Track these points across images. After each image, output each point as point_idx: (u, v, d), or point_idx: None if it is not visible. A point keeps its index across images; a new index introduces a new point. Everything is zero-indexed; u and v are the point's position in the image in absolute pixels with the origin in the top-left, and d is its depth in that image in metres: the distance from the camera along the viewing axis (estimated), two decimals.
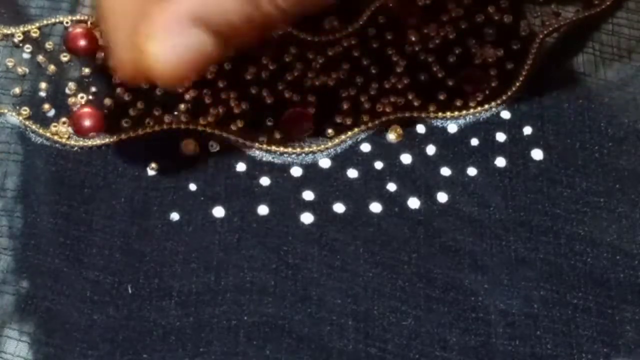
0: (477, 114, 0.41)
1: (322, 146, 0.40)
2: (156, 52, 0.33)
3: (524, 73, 0.42)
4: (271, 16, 0.34)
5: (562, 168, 0.40)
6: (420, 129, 0.41)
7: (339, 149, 0.40)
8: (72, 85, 0.41)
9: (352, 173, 0.40)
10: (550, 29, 0.43)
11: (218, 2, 0.33)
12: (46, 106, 0.41)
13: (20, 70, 0.41)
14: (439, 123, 0.41)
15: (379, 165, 0.40)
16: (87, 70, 0.41)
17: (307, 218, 0.39)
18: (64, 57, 0.42)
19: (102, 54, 0.41)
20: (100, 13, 0.35)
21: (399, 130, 0.41)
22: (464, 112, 0.41)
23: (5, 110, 0.40)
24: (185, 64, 0.34)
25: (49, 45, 0.42)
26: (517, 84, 0.42)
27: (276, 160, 0.40)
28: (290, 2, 0.34)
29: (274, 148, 0.40)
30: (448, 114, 0.41)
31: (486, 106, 0.41)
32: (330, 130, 0.41)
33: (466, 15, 0.43)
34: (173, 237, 0.38)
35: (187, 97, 0.41)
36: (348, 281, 0.38)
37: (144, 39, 0.33)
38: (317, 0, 0.35)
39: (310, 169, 0.40)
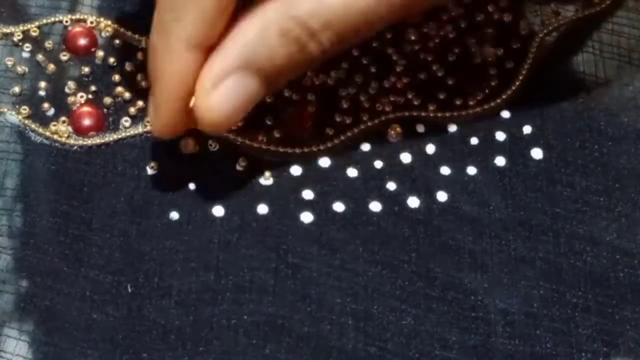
0: (477, 113, 0.41)
1: (322, 145, 0.40)
2: (210, 104, 0.35)
3: (523, 72, 0.42)
4: (315, 56, 0.35)
5: (561, 167, 0.40)
6: (420, 128, 0.41)
7: (338, 148, 0.40)
8: (71, 84, 0.41)
9: (352, 172, 0.40)
10: (550, 28, 0.43)
11: (265, 47, 0.34)
12: (46, 105, 0.41)
13: (19, 69, 0.41)
14: (438, 122, 0.41)
15: (378, 164, 0.40)
16: (86, 69, 0.41)
17: (306, 217, 0.39)
18: (64, 56, 0.42)
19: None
20: (154, 75, 0.36)
21: (399, 129, 0.41)
22: (464, 111, 0.41)
23: (5, 109, 0.40)
24: (237, 110, 0.35)
25: (48, 44, 0.42)
26: (517, 83, 0.42)
27: (276, 159, 0.40)
28: (334, 42, 0.35)
29: (273, 147, 0.40)
30: (448, 113, 0.41)
31: (486, 105, 0.41)
32: (329, 130, 0.41)
33: (466, 14, 0.43)
34: (173, 236, 0.38)
35: None
36: (348, 280, 0.38)
37: (197, 92, 0.35)
38: (359, 38, 0.36)
39: (310, 168, 0.40)
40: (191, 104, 0.36)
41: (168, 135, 0.38)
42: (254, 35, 0.34)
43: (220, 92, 0.35)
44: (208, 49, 0.35)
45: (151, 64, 0.36)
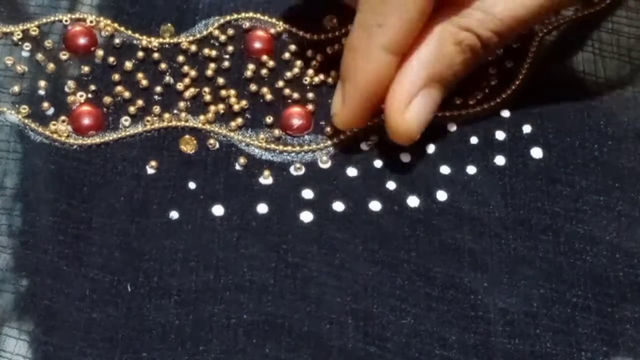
0: (477, 113, 0.41)
1: (322, 144, 0.40)
2: (405, 120, 0.38)
3: (523, 71, 0.42)
4: (483, 57, 0.39)
5: (561, 166, 0.40)
6: None
7: (338, 148, 0.40)
8: (71, 83, 0.41)
9: (352, 171, 0.40)
10: (550, 27, 0.43)
11: (445, 58, 0.38)
12: (45, 104, 0.41)
13: (19, 68, 0.41)
14: (438, 121, 0.41)
15: (378, 163, 0.40)
16: (86, 69, 0.41)
17: (306, 216, 0.39)
18: (63, 56, 0.42)
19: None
20: (349, 74, 0.38)
21: None
22: (464, 110, 0.41)
23: (5, 109, 0.40)
24: (427, 120, 0.39)
25: (48, 43, 0.42)
26: (517, 83, 0.42)
27: (275, 159, 0.40)
28: (499, 44, 0.39)
29: (273, 146, 0.40)
30: (447, 112, 0.41)
31: (486, 105, 0.41)
32: (329, 129, 0.41)
33: None
34: (172, 236, 0.38)
35: (186, 95, 0.41)
36: (347, 280, 0.38)
37: (391, 108, 0.38)
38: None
39: (310, 167, 0.40)
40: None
41: (349, 127, 0.40)
42: (434, 49, 0.38)
43: (413, 109, 0.38)
44: (403, 55, 0.37)
45: (347, 62, 0.38)
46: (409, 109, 0.38)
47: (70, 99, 0.41)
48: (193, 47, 0.42)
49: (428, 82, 0.38)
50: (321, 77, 0.42)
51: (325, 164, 0.40)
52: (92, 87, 0.41)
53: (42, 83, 0.41)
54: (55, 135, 0.40)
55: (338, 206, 0.39)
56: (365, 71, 0.38)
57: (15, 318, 0.37)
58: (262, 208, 0.39)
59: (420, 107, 0.38)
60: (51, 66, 0.41)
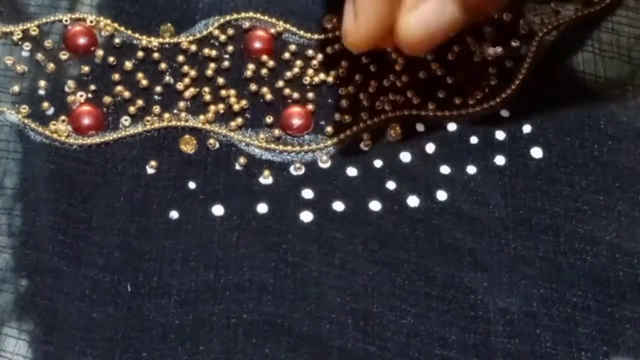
0: (477, 112, 0.41)
1: (322, 144, 0.40)
2: (410, 22, 0.35)
3: (523, 71, 0.42)
4: None
5: (561, 166, 0.40)
6: (420, 127, 0.41)
7: (338, 147, 0.40)
8: (71, 83, 0.41)
9: (352, 171, 0.40)
10: (550, 27, 0.43)
11: None
12: (45, 104, 0.41)
13: (19, 68, 0.41)
14: (438, 121, 0.41)
15: (378, 163, 0.40)
16: (86, 69, 0.41)
17: (306, 216, 0.39)
18: (63, 55, 0.42)
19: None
20: None
21: (398, 128, 0.41)
22: (464, 110, 0.41)
23: (5, 109, 0.40)
24: (435, 32, 0.35)
25: (48, 43, 0.42)
26: (517, 82, 0.42)
27: (275, 159, 0.40)
28: None
29: (273, 146, 0.40)
30: (447, 112, 0.41)
31: (485, 104, 0.41)
32: (329, 129, 0.41)
33: None
34: (172, 236, 0.38)
35: (186, 95, 0.41)
36: (347, 279, 0.38)
37: (398, 8, 0.35)
38: None
39: (310, 167, 0.40)
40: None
41: (362, 47, 0.37)
42: None
43: (419, 13, 0.35)
44: None
45: None
46: (415, 11, 0.35)
47: (70, 98, 0.41)
48: (193, 47, 0.42)
49: None
50: (321, 77, 0.42)
51: (325, 163, 0.40)
52: (92, 87, 0.41)
53: (42, 83, 0.41)
54: (55, 135, 0.40)
55: (338, 206, 0.39)
56: None
57: (15, 318, 0.37)
58: (262, 208, 0.39)
59: (429, 14, 0.35)
60: (51, 66, 0.41)
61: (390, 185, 0.40)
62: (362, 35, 0.36)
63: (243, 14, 0.43)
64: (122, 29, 0.42)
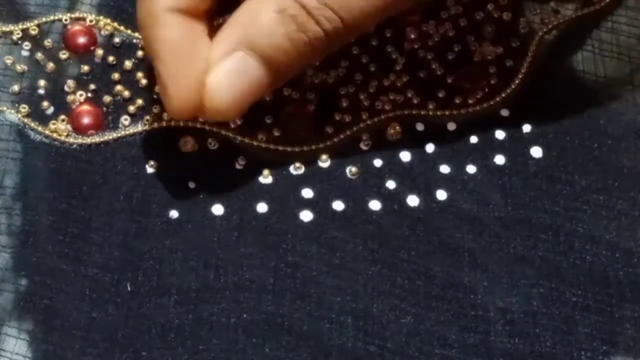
0: (476, 112, 0.41)
1: (322, 144, 0.40)
2: (211, 81, 0.35)
3: (523, 71, 0.42)
4: (316, 43, 0.35)
5: (561, 166, 0.40)
6: (420, 126, 0.41)
7: (338, 147, 0.40)
8: (71, 82, 0.41)
9: (351, 171, 0.40)
10: (550, 26, 0.43)
11: (264, 26, 0.34)
12: (45, 104, 0.41)
13: (19, 67, 0.41)
14: (438, 121, 0.41)
15: (378, 163, 0.40)
16: (86, 68, 0.41)
17: (306, 216, 0.39)
18: (63, 55, 0.42)
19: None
20: (151, 50, 0.36)
21: (398, 128, 0.41)
22: (463, 109, 0.41)
23: (4, 108, 0.40)
24: (240, 93, 0.35)
25: (47, 42, 0.42)
26: (517, 82, 0.42)
27: (275, 158, 0.40)
28: (332, 23, 0.34)
29: (273, 146, 0.40)
30: (447, 111, 0.41)
31: (485, 104, 0.41)
32: (329, 128, 0.41)
33: (465, 12, 0.43)
34: (172, 235, 0.38)
35: None
36: (347, 279, 0.38)
37: (198, 70, 0.34)
38: (359, 24, 0.36)
39: (310, 166, 0.40)
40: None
41: (183, 118, 0.37)
42: (248, 12, 0.34)
43: (222, 71, 0.34)
44: (195, 14, 0.35)
45: (145, 41, 0.36)
46: (218, 69, 0.35)
47: (70, 98, 0.41)
48: None
49: (244, 47, 0.34)
50: (321, 76, 0.42)
51: (325, 163, 0.40)
52: (92, 87, 0.41)
53: (42, 82, 0.41)
54: (55, 135, 0.40)
55: (338, 205, 0.39)
56: (160, 38, 0.35)
57: (15, 317, 0.37)
58: (262, 207, 0.39)
59: (232, 73, 0.34)
60: (51, 65, 0.41)
61: (390, 184, 0.40)
62: (178, 107, 0.36)
63: None
64: (122, 28, 0.42)
